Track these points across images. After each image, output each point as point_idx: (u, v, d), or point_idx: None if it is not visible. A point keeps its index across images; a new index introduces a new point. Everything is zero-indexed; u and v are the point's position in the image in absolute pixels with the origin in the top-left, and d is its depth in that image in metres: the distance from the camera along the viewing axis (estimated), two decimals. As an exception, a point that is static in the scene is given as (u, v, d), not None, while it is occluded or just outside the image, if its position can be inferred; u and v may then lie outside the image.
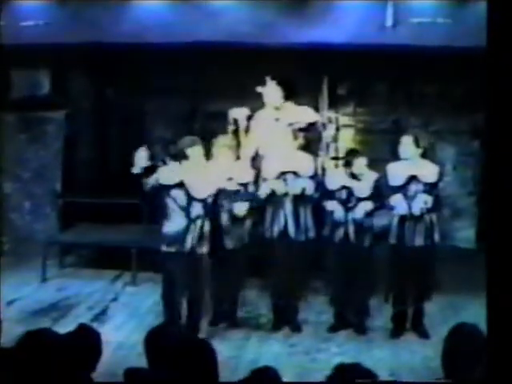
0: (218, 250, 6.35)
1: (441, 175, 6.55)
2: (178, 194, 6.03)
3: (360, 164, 6.44)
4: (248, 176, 6.65)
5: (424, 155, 6.47)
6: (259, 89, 6.95)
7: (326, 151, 8.10)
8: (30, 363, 3.41)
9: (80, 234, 8.80)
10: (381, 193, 6.45)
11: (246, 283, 6.86)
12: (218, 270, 6.54)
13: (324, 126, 7.76)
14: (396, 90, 9.67)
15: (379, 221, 6.56)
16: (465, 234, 9.53)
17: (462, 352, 3.48)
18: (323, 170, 7.64)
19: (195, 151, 6.03)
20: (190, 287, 6.12)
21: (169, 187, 6.03)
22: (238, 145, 6.94)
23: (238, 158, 6.83)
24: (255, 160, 7.01)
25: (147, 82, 9.78)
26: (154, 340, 3.86)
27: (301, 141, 6.69)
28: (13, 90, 9.11)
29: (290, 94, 7.03)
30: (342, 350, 6.27)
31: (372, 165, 6.54)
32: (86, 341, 3.70)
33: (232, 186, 6.49)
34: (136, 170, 5.99)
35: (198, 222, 6.06)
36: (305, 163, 6.64)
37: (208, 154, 6.59)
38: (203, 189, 6.06)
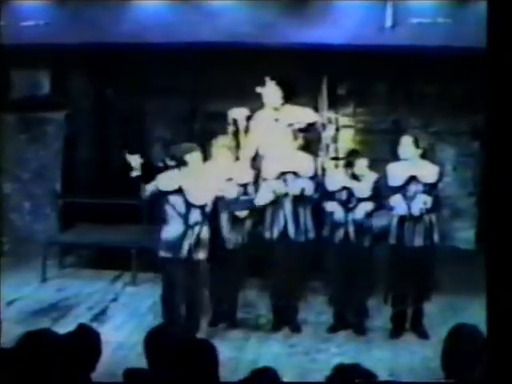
0: (216, 256, 6.35)
1: (440, 176, 6.55)
2: (176, 200, 6.03)
3: (361, 165, 6.45)
4: (248, 176, 6.65)
5: (424, 156, 6.47)
6: (258, 89, 6.95)
7: (325, 151, 8.09)
8: (30, 363, 3.42)
9: (80, 235, 8.80)
10: (380, 193, 6.46)
11: (246, 284, 6.86)
12: (217, 270, 6.54)
13: (324, 126, 7.75)
14: (396, 90, 9.67)
15: (379, 221, 6.56)
16: (464, 234, 9.53)
17: (461, 352, 3.49)
18: (323, 170, 7.63)
19: (193, 157, 6.03)
20: (188, 292, 6.11)
21: (167, 193, 6.03)
22: (238, 145, 6.94)
23: (237, 158, 6.83)
24: (255, 160, 7.01)
25: (147, 82, 9.78)
26: (153, 340, 3.87)
27: (300, 141, 6.68)
28: (13, 90, 9.10)
29: (290, 95, 7.02)
30: (341, 350, 6.28)
31: (372, 165, 6.55)
32: (86, 341, 3.71)
33: (231, 187, 6.49)
34: (134, 173, 5.97)
35: (196, 229, 6.06)
36: (305, 163, 6.64)
37: (207, 155, 6.60)
38: (201, 195, 6.06)
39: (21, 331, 3.65)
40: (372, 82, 9.59)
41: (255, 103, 7.09)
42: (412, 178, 6.35)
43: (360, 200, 6.46)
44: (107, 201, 8.72)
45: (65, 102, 9.40)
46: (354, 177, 6.46)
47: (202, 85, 9.51)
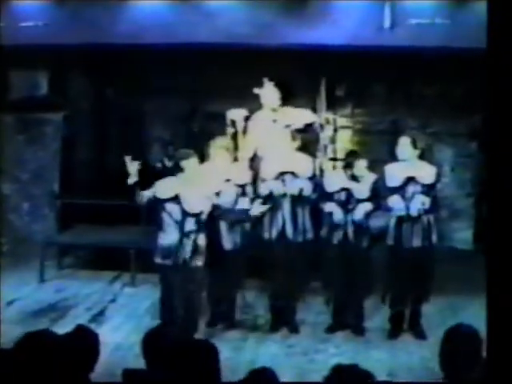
0: (214, 263, 6.35)
1: (438, 176, 6.56)
2: (172, 208, 6.01)
3: (360, 166, 6.45)
4: (246, 177, 6.65)
5: (422, 156, 6.48)
6: (257, 90, 6.95)
7: (323, 152, 8.10)
8: (29, 364, 3.42)
9: (78, 235, 8.80)
10: (379, 194, 6.46)
11: (244, 284, 6.86)
12: (215, 271, 6.55)
13: (322, 127, 7.77)
14: (394, 91, 9.68)
15: (377, 222, 6.55)
16: (462, 235, 9.54)
17: (459, 353, 3.49)
18: (321, 171, 7.64)
19: (190, 164, 6.02)
20: (185, 298, 6.11)
21: (164, 201, 6.02)
22: (236, 146, 6.94)
23: (235, 159, 6.83)
24: (253, 161, 7.01)
25: (146, 83, 9.79)
26: (151, 341, 3.87)
27: (299, 142, 6.69)
28: (11, 91, 9.11)
29: (288, 96, 7.03)
30: (339, 350, 6.28)
31: (370, 166, 6.55)
32: (84, 342, 3.71)
33: (230, 188, 6.49)
34: (131, 180, 5.96)
35: (192, 236, 6.05)
36: (303, 164, 6.64)
37: (205, 156, 6.61)
38: (197, 203, 6.05)
39: (19, 332, 3.65)
40: (370, 82, 9.60)
41: (254, 104, 7.10)
42: (410, 179, 6.35)
43: (359, 201, 6.47)
44: (105, 201, 8.71)
45: (63, 102, 9.41)
46: (353, 178, 6.47)
47: (201, 85, 9.52)
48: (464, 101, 9.23)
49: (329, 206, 6.50)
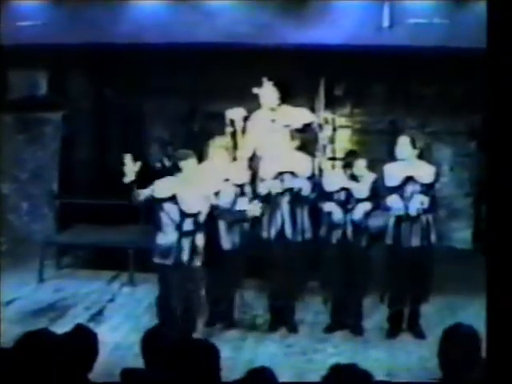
0: (212, 263, 6.36)
1: (437, 176, 6.57)
2: (170, 207, 6.02)
3: (360, 165, 6.45)
4: (244, 177, 6.66)
5: (420, 156, 6.48)
6: (255, 90, 6.96)
7: (322, 152, 8.10)
8: (28, 363, 3.42)
9: (77, 235, 8.80)
10: (378, 194, 6.46)
11: (243, 284, 6.86)
12: (214, 270, 6.55)
13: (320, 126, 7.77)
14: (393, 90, 9.69)
15: (376, 221, 6.56)
16: (461, 234, 9.55)
17: (457, 353, 3.49)
18: (320, 170, 7.64)
19: (189, 164, 6.02)
20: (184, 298, 6.12)
21: (161, 200, 6.03)
22: (235, 146, 6.95)
23: (234, 158, 6.83)
24: (252, 161, 7.01)
25: (145, 83, 9.78)
26: (150, 340, 3.87)
27: (297, 142, 6.69)
28: (10, 91, 9.11)
29: (287, 95, 7.03)
30: (338, 350, 6.28)
31: (369, 165, 6.55)
32: (83, 341, 3.71)
33: (228, 188, 6.50)
34: (127, 179, 5.96)
35: (190, 236, 6.06)
36: (302, 164, 6.65)
37: (204, 156, 6.61)
38: (195, 203, 6.06)
39: (19, 331, 3.66)
40: (369, 82, 9.60)
41: (253, 104, 7.10)
42: (409, 179, 6.36)
43: (358, 200, 6.47)
44: (104, 201, 8.71)
45: (63, 102, 9.41)
46: (353, 177, 6.47)
47: (200, 85, 9.52)
48: (463, 100, 9.23)
49: (328, 206, 6.50)
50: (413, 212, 6.33)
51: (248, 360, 5.91)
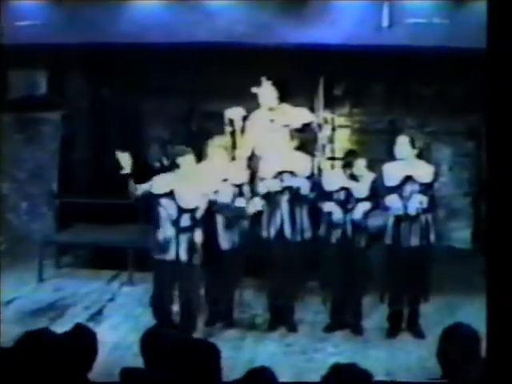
0: (211, 260, 6.37)
1: (436, 176, 6.57)
2: (167, 203, 6.04)
3: (360, 165, 6.45)
4: (243, 177, 6.66)
5: (420, 156, 6.48)
6: (254, 89, 6.96)
7: (321, 152, 8.10)
8: (28, 363, 3.42)
9: (77, 234, 8.80)
10: (377, 193, 6.47)
11: (242, 283, 6.87)
12: (214, 270, 6.56)
13: (320, 126, 7.77)
14: (392, 90, 9.69)
15: (375, 221, 6.56)
16: (460, 234, 9.55)
17: (456, 352, 3.50)
18: (319, 170, 7.64)
19: (186, 160, 6.04)
20: (182, 294, 6.13)
21: (159, 196, 6.04)
22: (234, 145, 6.95)
23: (233, 158, 6.84)
24: (251, 160, 7.02)
25: (144, 82, 9.78)
26: (150, 340, 3.87)
27: (297, 141, 6.69)
28: (10, 90, 9.10)
29: (286, 95, 7.03)
30: (338, 349, 6.28)
31: (368, 165, 6.55)
32: (83, 341, 3.71)
33: (227, 187, 6.50)
34: (124, 171, 5.98)
35: (188, 232, 6.07)
36: (302, 163, 6.65)
37: (203, 155, 6.62)
38: (193, 199, 6.07)
39: (18, 331, 3.66)
40: (368, 82, 9.60)
41: (253, 103, 7.11)
42: (408, 178, 6.36)
43: (358, 200, 6.47)
44: (104, 201, 8.71)
45: (62, 102, 9.41)
46: (353, 177, 6.47)
47: (200, 85, 9.51)
48: (462, 100, 9.23)
49: (328, 206, 6.50)
50: (412, 212, 6.33)
51: (248, 359, 5.91)
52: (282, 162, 6.60)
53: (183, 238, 6.05)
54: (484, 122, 8.27)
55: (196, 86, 9.54)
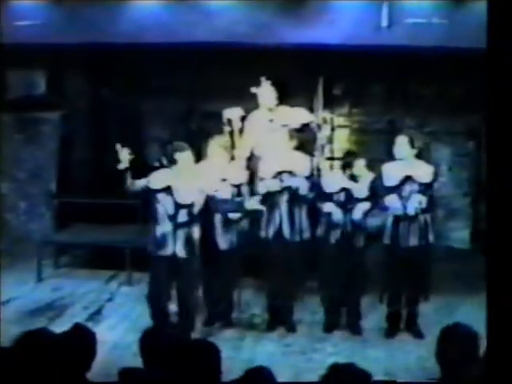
0: (209, 257, 6.37)
1: (435, 176, 6.57)
2: (165, 198, 6.05)
3: (359, 165, 6.45)
4: (241, 177, 6.65)
5: (419, 156, 6.49)
6: (253, 89, 6.96)
7: (321, 152, 8.10)
8: (27, 363, 3.42)
9: (75, 234, 8.80)
10: (377, 193, 6.47)
11: (241, 283, 6.87)
12: (212, 270, 6.56)
13: (319, 126, 7.77)
14: (391, 90, 9.68)
15: (374, 221, 6.56)
16: (459, 234, 9.54)
17: (455, 352, 3.50)
18: (318, 170, 7.64)
19: (184, 156, 6.04)
20: (180, 291, 6.14)
21: (156, 191, 6.05)
22: (233, 145, 6.95)
23: (232, 158, 6.84)
24: (250, 160, 7.02)
25: (144, 82, 9.77)
26: (149, 340, 3.87)
27: (296, 141, 6.69)
28: (9, 90, 9.10)
29: (285, 95, 7.03)
30: (336, 349, 6.28)
31: (367, 165, 6.55)
32: (81, 340, 3.71)
33: (225, 187, 6.50)
34: (121, 166, 5.98)
35: (185, 228, 6.07)
36: (301, 163, 6.65)
37: (202, 155, 6.62)
38: (190, 195, 6.07)
39: (17, 331, 3.65)
40: (367, 82, 9.59)
41: (252, 103, 7.11)
42: (407, 178, 6.36)
43: (358, 200, 6.47)
44: (103, 201, 8.72)
45: (61, 101, 9.41)
46: (352, 178, 6.47)
47: (199, 85, 9.50)
48: (461, 100, 9.23)
49: (328, 207, 6.49)
50: (411, 211, 6.33)
51: (246, 359, 5.91)
52: (282, 162, 6.60)
53: (180, 234, 6.06)
54: (484, 122, 8.29)
55: (195, 86, 9.53)
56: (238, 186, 6.59)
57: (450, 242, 9.38)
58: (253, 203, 6.38)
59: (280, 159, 6.62)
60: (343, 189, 6.48)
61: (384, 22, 7.38)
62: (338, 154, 8.77)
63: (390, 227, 6.41)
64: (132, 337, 5.34)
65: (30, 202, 9.42)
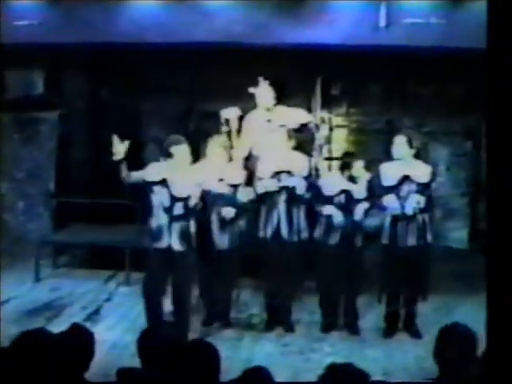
0: (206, 251, 6.38)
1: (433, 175, 6.57)
2: (160, 191, 6.06)
3: (358, 167, 6.45)
4: (239, 178, 6.65)
5: (417, 155, 6.49)
6: (251, 89, 6.96)
7: (319, 152, 8.10)
8: (25, 363, 3.42)
9: (73, 234, 8.79)
10: (374, 193, 6.47)
11: (239, 283, 6.87)
12: (211, 269, 6.57)
13: (317, 126, 7.77)
14: (389, 90, 9.68)
15: (372, 221, 6.56)
16: (457, 234, 9.55)
17: (453, 352, 3.50)
18: (316, 170, 7.64)
19: (180, 150, 6.05)
20: (173, 284, 6.15)
21: (152, 184, 6.06)
22: (231, 145, 6.95)
23: (230, 158, 6.84)
24: (248, 160, 7.02)
25: (142, 82, 9.76)
26: (147, 340, 3.87)
27: (294, 141, 6.69)
28: (7, 90, 9.09)
29: (283, 95, 7.04)
30: (335, 349, 6.28)
31: (366, 165, 6.55)
32: (79, 340, 3.71)
33: (222, 187, 6.50)
34: (117, 157, 5.98)
35: (181, 221, 6.08)
36: (300, 163, 6.66)
37: (201, 154, 6.62)
38: (185, 188, 6.09)
39: (15, 331, 3.66)
40: (366, 82, 9.60)
41: (250, 103, 7.12)
42: (405, 178, 6.36)
43: (358, 202, 6.47)
44: (101, 200, 8.72)
45: (59, 101, 9.40)
46: (351, 179, 6.47)
47: (198, 85, 9.50)
48: (460, 100, 9.23)
49: (328, 209, 6.48)
50: (409, 211, 6.33)
51: (244, 359, 5.90)
52: (280, 162, 6.60)
53: (176, 226, 6.07)
54: (482, 122, 8.31)
55: (194, 85, 9.53)
56: (235, 186, 6.59)
57: (448, 241, 9.39)
58: (247, 196, 6.41)
59: (278, 159, 6.62)
60: (343, 191, 6.48)
61: (382, 22, 7.38)
62: (337, 154, 8.77)
63: (388, 227, 6.41)
64: (130, 337, 5.33)
65: (29, 202, 9.41)
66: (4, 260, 8.19)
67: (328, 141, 9.58)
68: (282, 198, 6.55)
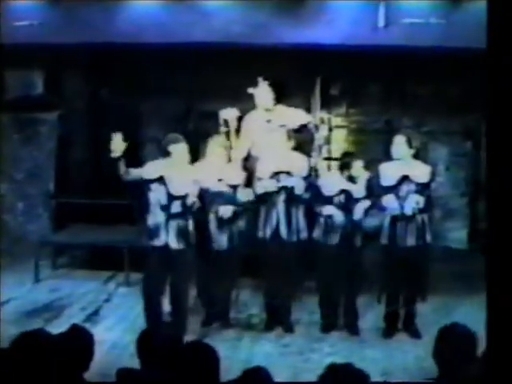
0: (204, 250, 6.39)
1: (433, 176, 6.58)
2: (158, 189, 6.07)
3: (357, 167, 6.45)
4: (238, 178, 6.65)
5: (416, 155, 6.49)
6: (251, 90, 6.96)
7: (318, 152, 8.10)
8: (24, 364, 3.42)
9: (73, 235, 8.79)
10: (373, 193, 6.47)
11: (239, 283, 6.87)
12: (210, 269, 6.57)
13: (316, 127, 7.77)
14: (389, 90, 9.68)
15: (371, 221, 6.57)
16: (457, 234, 9.55)
17: (452, 352, 3.50)
18: (316, 170, 7.64)
19: (178, 148, 6.06)
20: (171, 283, 6.15)
21: (149, 181, 6.06)
22: (230, 146, 6.95)
23: (229, 159, 6.83)
24: (247, 161, 7.02)
25: (142, 83, 9.76)
26: (146, 340, 3.87)
27: (293, 142, 6.69)
28: (6, 90, 9.09)
29: (282, 95, 7.04)
30: (334, 350, 6.28)
31: (365, 165, 6.55)
32: (79, 341, 3.71)
33: (220, 187, 6.50)
34: (115, 154, 5.97)
35: (178, 219, 6.09)
36: (299, 163, 6.66)
37: (200, 154, 6.62)
38: (183, 186, 6.10)
39: (14, 331, 3.65)
40: (365, 82, 9.60)
41: (250, 104, 7.11)
42: (404, 178, 6.36)
43: (357, 201, 6.47)
44: (100, 201, 8.72)
45: (59, 102, 9.40)
46: (351, 179, 6.47)
47: (197, 85, 9.50)
48: (459, 100, 9.23)
49: (328, 209, 6.48)
50: (408, 212, 6.33)
51: (244, 360, 5.91)
52: (279, 162, 6.60)
53: (173, 224, 6.09)
54: (481, 122, 8.31)
55: (193, 86, 9.53)
56: (234, 187, 6.59)
57: (448, 242, 9.39)
58: (247, 195, 6.41)
59: (277, 160, 6.62)
60: (342, 191, 6.47)
61: (381, 22, 7.38)
62: (336, 154, 8.77)
63: (387, 227, 6.41)
64: (129, 337, 5.33)
65: (28, 203, 9.41)
66: (4, 261, 8.19)
67: (327, 141, 9.58)
68: (281, 198, 6.55)
